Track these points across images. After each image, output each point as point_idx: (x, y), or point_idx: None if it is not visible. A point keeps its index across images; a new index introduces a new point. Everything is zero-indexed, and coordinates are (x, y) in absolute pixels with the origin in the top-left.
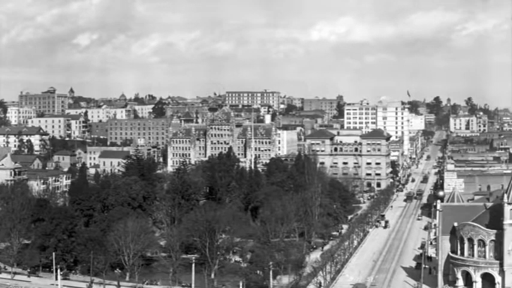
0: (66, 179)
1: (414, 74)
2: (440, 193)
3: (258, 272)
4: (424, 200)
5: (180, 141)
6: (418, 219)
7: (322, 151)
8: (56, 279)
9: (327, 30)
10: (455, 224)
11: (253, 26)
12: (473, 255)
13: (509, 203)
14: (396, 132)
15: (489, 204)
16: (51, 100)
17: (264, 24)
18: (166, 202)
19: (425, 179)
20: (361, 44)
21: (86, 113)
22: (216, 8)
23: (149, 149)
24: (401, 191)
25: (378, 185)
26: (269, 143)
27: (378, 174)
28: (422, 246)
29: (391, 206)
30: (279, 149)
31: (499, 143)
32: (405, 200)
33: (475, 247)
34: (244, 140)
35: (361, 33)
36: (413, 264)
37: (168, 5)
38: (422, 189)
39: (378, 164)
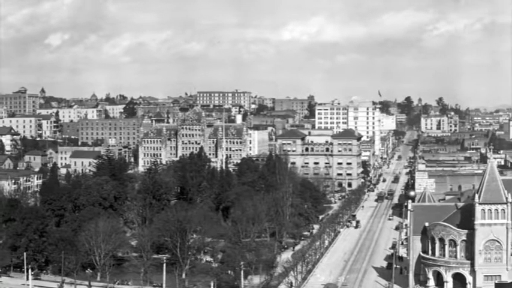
0: (37, 179)
1: (385, 74)
2: (412, 193)
3: (229, 272)
4: (395, 200)
5: (151, 141)
6: (389, 219)
7: (293, 151)
8: (27, 279)
9: (298, 30)
10: (427, 224)
11: (225, 26)
12: (444, 255)
13: (480, 203)
14: (367, 132)
15: (460, 204)
16: (22, 100)
17: (235, 24)
18: (138, 202)
19: (396, 179)
20: (332, 44)
21: (57, 113)
22: (188, 9)
23: (120, 149)
24: (373, 191)
25: (349, 185)
26: (240, 143)
27: (349, 174)
28: (394, 246)
29: (362, 206)
30: (250, 149)
31: (470, 143)
32: (376, 200)
33: (446, 247)
34: (215, 140)
35: (332, 33)
36: (385, 264)
37: (140, 5)
38: (394, 189)
39: (349, 164)
